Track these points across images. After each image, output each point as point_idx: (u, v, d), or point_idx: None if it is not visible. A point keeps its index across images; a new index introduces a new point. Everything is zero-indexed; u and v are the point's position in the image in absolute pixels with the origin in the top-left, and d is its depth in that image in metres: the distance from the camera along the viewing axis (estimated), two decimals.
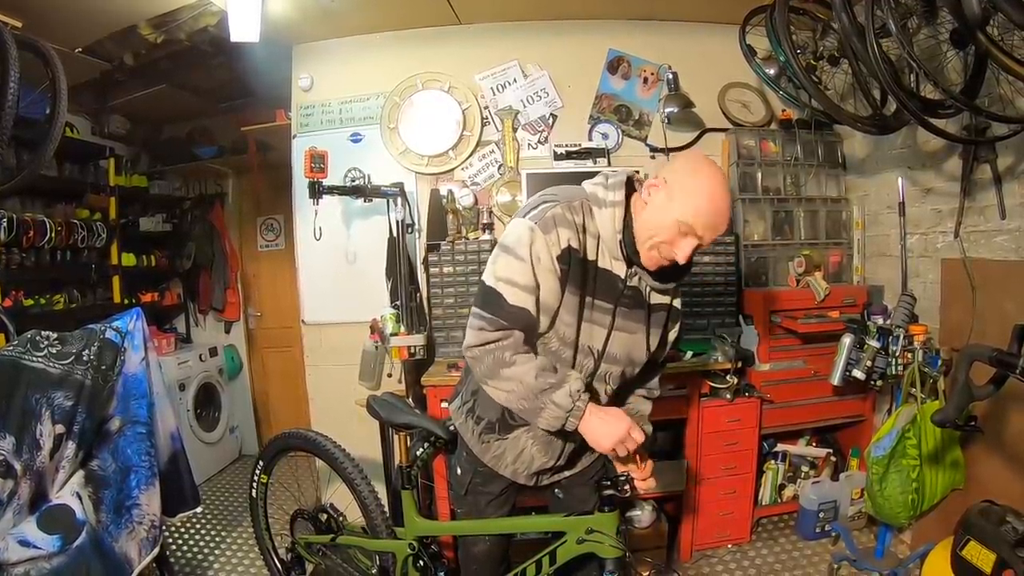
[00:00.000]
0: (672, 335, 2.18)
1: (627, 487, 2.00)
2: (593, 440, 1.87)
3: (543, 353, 1.90)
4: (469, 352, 1.88)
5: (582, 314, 1.90)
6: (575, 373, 1.89)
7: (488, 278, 1.84)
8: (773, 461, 4.15)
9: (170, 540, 4.20)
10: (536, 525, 2.37)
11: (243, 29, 3.41)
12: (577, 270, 1.84)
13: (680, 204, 1.75)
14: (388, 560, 2.70)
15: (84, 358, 2.82)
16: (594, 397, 2.02)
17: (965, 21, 2.32)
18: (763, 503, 4.13)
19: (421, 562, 2.50)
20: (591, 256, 1.87)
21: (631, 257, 1.88)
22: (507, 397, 1.88)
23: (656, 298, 2.03)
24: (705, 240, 1.78)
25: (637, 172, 1.98)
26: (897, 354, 3.28)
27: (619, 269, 1.90)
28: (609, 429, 1.84)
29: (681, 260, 1.81)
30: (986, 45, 2.35)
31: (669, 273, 1.94)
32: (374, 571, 2.81)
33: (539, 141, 4.27)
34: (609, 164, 4.17)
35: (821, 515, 3.92)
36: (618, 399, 2.16)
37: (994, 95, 2.86)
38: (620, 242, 1.85)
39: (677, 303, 2.12)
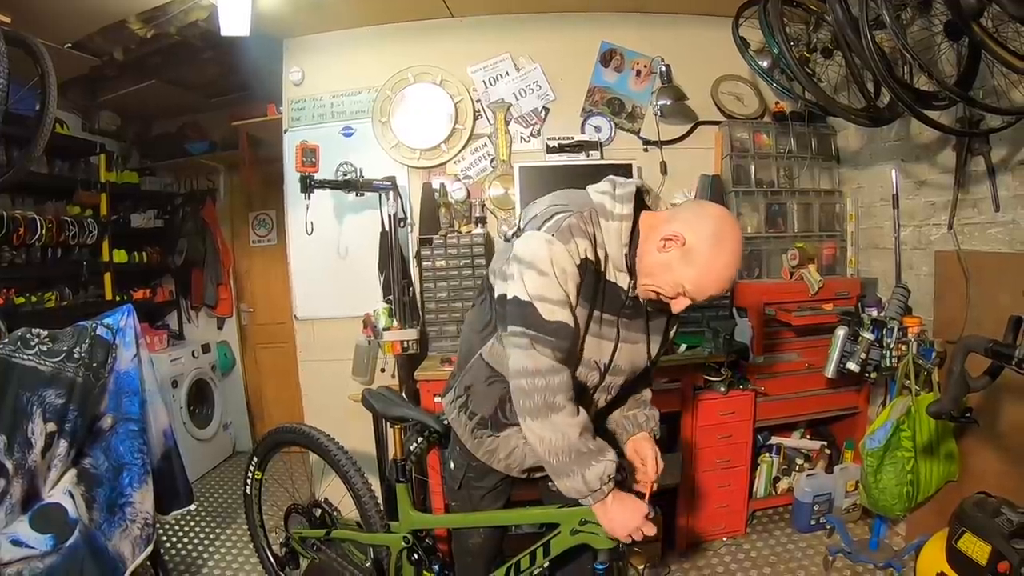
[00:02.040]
0: (671, 335, 2.18)
1: (620, 478, 2.00)
2: (607, 524, 1.84)
3: None
4: (520, 380, 1.76)
5: (588, 328, 1.87)
6: (611, 451, 1.80)
7: (521, 294, 1.74)
8: (767, 454, 4.16)
9: (164, 538, 4.20)
10: (529, 517, 2.35)
11: (233, 23, 3.39)
12: (590, 283, 1.80)
13: (692, 273, 1.72)
14: (382, 554, 2.70)
15: (75, 356, 2.81)
16: (593, 405, 2.03)
17: (959, 12, 2.31)
18: (758, 496, 4.14)
19: (415, 555, 2.49)
20: (601, 268, 1.83)
21: (633, 270, 1.85)
22: (542, 446, 1.79)
23: (654, 304, 1.99)
24: (700, 303, 1.80)
25: (645, 184, 1.92)
26: (891, 346, 3.29)
27: (623, 281, 1.86)
28: (626, 519, 1.81)
29: (675, 311, 1.83)
30: (980, 36, 2.35)
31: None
32: (368, 565, 2.81)
33: (532, 134, 4.26)
34: (602, 157, 4.17)
35: (816, 507, 3.94)
36: (615, 399, 2.15)
37: (988, 87, 2.85)
38: (625, 255, 1.81)
39: None
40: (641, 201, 1.88)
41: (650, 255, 1.78)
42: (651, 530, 1.82)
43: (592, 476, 1.74)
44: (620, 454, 2.10)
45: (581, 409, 1.79)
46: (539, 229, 1.75)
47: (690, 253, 1.71)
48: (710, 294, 1.75)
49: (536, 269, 1.72)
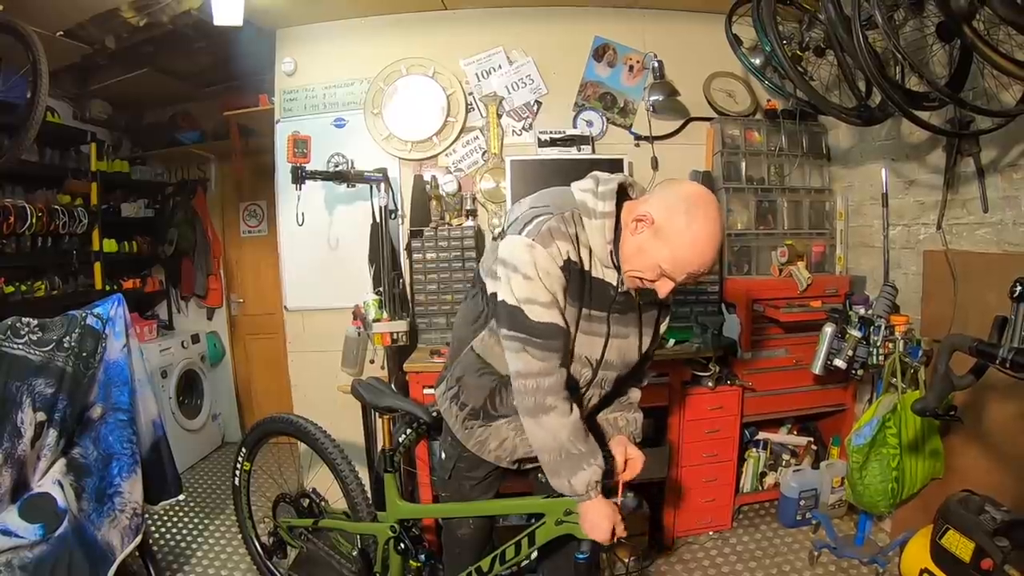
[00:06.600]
0: (663, 328, 2.17)
1: (609, 484, 2.02)
2: (584, 524, 1.91)
3: None
4: (516, 381, 1.84)
5: (579, 325, 1.88)
6: (599, 455, 1.88)
7: (508, 298, 1.78)
8: (754, 449, 4.18)
9: (153, 528, 4.18)
10: (514, 507, 2.37)
11: (226, 13, 3.37)
12: (576, 282, 1.81)
13: (667, 252, 1.71)
14: (370, 543, 2.72)
15: (65, 345, 2.81)
16: (587, 401, 2.05)
17: (951, 14, 2.33)
18: (744, 491, 4.17)
19: (402, 545, 2.50)
20: (586, 267, 1.84)
21: (619, 264, 1.85)
22: (536, 443, 1.89)
23: (645, 296, 1.99)
24: (685, 282, 1.79)
25: (629, 178, 1.91)
26: (878, 344, 3.32)
27: (611, 277, 1.87)
28: (598, 523, 1.87)
29: (661, 296, 1.82)
30: (972, 39, 2.36)
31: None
32: (355, 554, 2.82)
33: (523, 128, 4.26)
34: (593, 151, 4.17)
35: (802, 503, 3.96)
36: (608, 395, 2.16)
37: (979, 89, 2.87)
38: (611, 252, 1.81)
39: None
40: (625, 196, 1.89)
41: (626, 241, 1.80)
42: (621, 532, 1.89)
43: (579, 482, 1.83)
44: (608, 453, 2.12)
45: (575, 408, 1.84)
46: (520, 233, 1.78)
47: (661, 231, 1.72)
48: (689, 271, 1.74)
49: (521, 273, 1.74)
